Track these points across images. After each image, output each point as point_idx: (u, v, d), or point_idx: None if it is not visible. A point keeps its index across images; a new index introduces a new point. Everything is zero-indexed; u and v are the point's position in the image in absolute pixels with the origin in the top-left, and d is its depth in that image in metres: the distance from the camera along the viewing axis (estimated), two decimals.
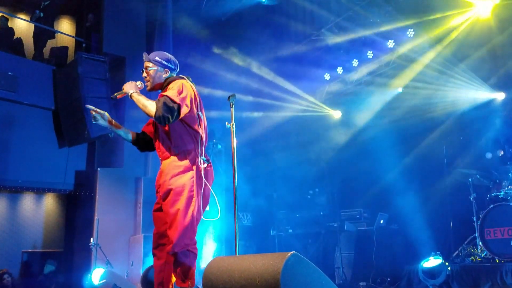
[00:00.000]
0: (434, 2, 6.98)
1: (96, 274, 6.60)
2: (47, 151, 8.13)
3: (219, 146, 9.26)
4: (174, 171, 3.28)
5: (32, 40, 9.09)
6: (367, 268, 6.87)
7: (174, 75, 3.55)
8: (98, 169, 8.18)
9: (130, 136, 3.56)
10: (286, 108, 9.23)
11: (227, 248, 8.19)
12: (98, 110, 3.40)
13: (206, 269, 3.19)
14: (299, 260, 2.76)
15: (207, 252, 8.13)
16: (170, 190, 3.26)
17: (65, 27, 10.46)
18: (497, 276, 5.31)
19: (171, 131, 3.32)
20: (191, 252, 3.29)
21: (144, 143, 3.62)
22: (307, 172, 9.06)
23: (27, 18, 9.56)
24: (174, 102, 3.13)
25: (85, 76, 7.44)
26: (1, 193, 8.55)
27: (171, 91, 3.20)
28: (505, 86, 7.10)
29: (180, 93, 3.21)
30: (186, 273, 3.28)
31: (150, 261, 6.70)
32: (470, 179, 6.32)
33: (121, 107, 7.97)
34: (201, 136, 3.37)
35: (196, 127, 3.36)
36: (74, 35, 10.11)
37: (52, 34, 9.34)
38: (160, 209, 3.40)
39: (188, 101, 3.22)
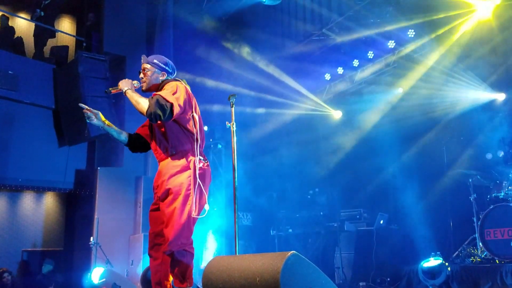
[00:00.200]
0: (434, 2, 6.97)
1: (96, 273, 6.60)
2: (47, 150, 8.13)
3: (220, 146, 9.27)
4: (172, 171, 3.30)
5: (32, 39, 9.09)
6: (367, 268, 6.87)
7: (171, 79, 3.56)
8: (98, 168, 8.18)
9: (122, 136, 3.57)
10: (286, 108, 9.23)
11: (227, 248, 8.19)
12: (91, 109, 3.42)
13: (206, 269, 3.19)
14: (299, 260, 2.76)
15: (208, 252, 8.14)
16: (168, 190, 3.27)
17: (66, 26, 10.45)
18: (497, 276, 5.31)
19: (167, 131, 3.33)
20: (188, 252, 3.29)
21: (137, 144, 3.63)
22: (307, 172, 9.05)
23: (28, 17, 9.55)
24: (167, 101, 3.14)
25: (86, 75, 7.44)
26: (1, 192, 8.55)
27: (165, 91, 3.23)
28: (505, 86, 7.10)
29: (173, 93, 3.23)
30: (184, 273, 3.28)
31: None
32: (470, 180, 6.31)
33: (121, 106, 7.98)
34: (197, 137, 3.39)
35: (191, 128, 3.37)
36: (74, 34, 10.11)
37: (52, 33, 9.33)
38: (157, 209, 3.41)
39: (181, 102, 3.23)
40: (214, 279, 3.07)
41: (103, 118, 3.46)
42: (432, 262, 5.84)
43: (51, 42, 9.39)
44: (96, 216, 7.73)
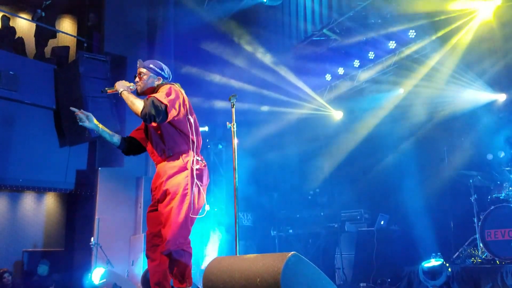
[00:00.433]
0: (435, 3, 6.97)
1: (97, 274, 6.60)
2: (48, 150, 8.13)
3: (220, 146, 9.28)
4: (170, 172, 3.32)
5: (33, 39, 9.10)
6: (368, 269, 6.86)
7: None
8: (99, 168, 8.19)
9: (115, 139, 3.58)
10: (287, 108, 9.23)
11: (227, 248, 8.19)
12: (83, 111, 3.44)
13: (206, 269, 3.19)
14: (300, 261, 2.77)
15: (208, 252, 8.14)
16: (165, 190, 3.29)
17: (67, 26, 10.46)
18: (497, 277, 5.31)
19: (164, 134, 3.36)
20: (186, 252, 3.30)
21: (130, 146, 3.65)
22: (308, 173, 9.05)
23: (29, 17, 9.56)
24: (161, 102, 3.17)
25: (86, 76, 7.45)
26: (2, 192, 8.55)
27: (160, 93, 3.27)
28: (506, 87, 7.09)
29: (168, 95, 3.26)
30: (183, 273, 3.28)
31: None
32: (471, 180, 6.31)
33: (122, 106, 7.98)
34: (193, 139, 3.42)
35: (187, 130, 3.40)
36: (75, 34, 10.12)
37: (53, 34, 9.35)
38: (154, 210, 3.43)
39: (175, 104, 3.26)
40: (214, 280, 3.07)
41: (95, 120, 3.48)
42: (433, 262, 5.83)
43: (52, 43, 9.40)
44: (96, 217, 7.74)
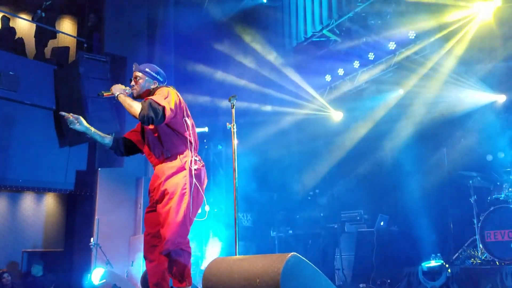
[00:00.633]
0: (435, 4, 6.98)
1: (96, 274, 6.61)
2: (47, 151, 8.13)
3: (220, 147, 9.28)
4: (168, 172, 3.33)
5: (33, 40, 9.11)
6: (367, 269, 6.86)
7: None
8: (99, 169, 8.19)
9: (106, 140, 3.61)
10: (287, 108, 9.23)
11: (227, 249, 8.19)
12: (72, 114, 3.45)
13: (206, 270, 3.20)
14: (299, 261, 2.77)
15: (208, 253, 8.14)
16: (164, 191, 3.30)
17: (67, 27, 10.47)
18: (497, 278, 5.31)
19: (161, 135, 3.37)
20: (185, 251, 3.30)
21: (124, 148, 3.66)
22: (308, 173, 9.05)
23: (29, 18, 9.57)
24: (159, 104, 3.19)
25: (86, 76, 7.45)
26: (1, 193, 8.55)
27: (157, 96, 3.28)
28: (506, 88, 7.10)
29: (165, 98, 3.27)
30: (182, 272, 3.29)
31: None
32: (470, 181, 6.31)
33: (122, 108, 7.97)
34: (191, 140, 3.44)
35: (184, 132, 3.42)
36: (75, 35, 10.13)
37: (53, 34, 9.35)
38: (152, 211, 3.45)
39: (172, 106, 3.27)
40: (214, 280, 3.08)
41: (85, 123, 3.50)
42: (432, 263, 5.83)
43: (52, 43, 9.41)
44: (96, 217, 7.74)
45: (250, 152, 8.69)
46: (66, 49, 9.59)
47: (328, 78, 8.89)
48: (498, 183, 6.06)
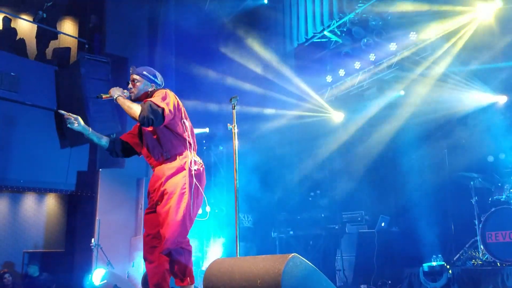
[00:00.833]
0: (436, 5, 6.98)
1: (97, 275, 6.61)
2: (49, 152, 8.14)
3: (221, 148, 9.28)
4: (168, 173, 3.35)
5: (34, 40, 9.11)
6: (368, 270, 6.86)
7: None
8: (100, 169, 8.19)
9: (103, 141, 3.62)
10: (288, 109, 9.23)
11: (228, 250, 8.19)
12: (71, 114, 3.49)
13: (207, 271, 3.20)
14: (300, 262, 2.77)
15: (209, 253, 8.14)
16: (163, 191, 3.32)
17: (68, 28, 10.48)
18: (498, 279, 5.31)
19: (160, 137, 3.39)
20: (185, 250, 3.31)
21: (120, 150, 3.68)
22: (309, 174, 9.05)
23: (30, 18, 9.58)
24: (158, 106, 3.21)
25: (88, 77, 7.46)
26: (2, 193, 8.56)
27: (156, 98, 3.30)
28: (507, 89, 7.09)
29: (164, 99, 3.29)
30: (183, 271, 3.29)
31: None
32: (472, 182, 6.30)
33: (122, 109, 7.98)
34: (189, 141, 3.46)
35: (182, 133, 3.43)
36: (76, 36, 10.13)
37: (54, 35, 9.36)
38: (152, 212, 3.46)
39: (171, 107, 3.29)
40: (215, 281, 3.08)
41: (83, 123, 3.53)
42: (433, 264, 5.83)
43: (53, 44, 9.42)
44: (97, 218, 7.74)
45: (251, 152, 8.69)
46: (67, 50, 9.60)
47: (329, 79, 8.89)
48: (499, 184, 6.06)
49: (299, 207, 8.75)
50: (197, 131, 8.81)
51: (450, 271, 5.71)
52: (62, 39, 9.90)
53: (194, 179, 3.36)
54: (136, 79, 3.51)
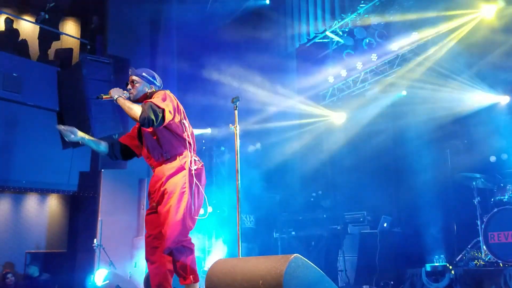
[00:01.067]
0: (438, 5, 6.97)
1: (99, 275, 6.62)
2: (51, 152, 8.16)
3: (222, 148, 9.28)
4: (168, 173, 3.36)
5: (37, 41, 9.14)
6: (370, 271, 6.85)
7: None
8: (102, 170, 8.21)
9: (101, 147, 3.65)
10: (289, 109, 9.22)
11: (229, 250, 8.19)
12: (67, 127, 3.52)
13: (208, 271, 3.20)
14: (302, 263, 2.77)
15: (211, 254, 8.14)
16: (164, 191, 3.34)
17: (70, 29, 10.51)
18: (500, 280, 5.29)
19: (160, 137, 3.40)
20: (187, 248, 3.32)
21: (119, 153, 3.69)
22: (310, 174, 9.04)
23: (32, 19, 9.61)
24: (158, 107, 3.23)
25: (89, 78, 7.47)
26: (5, 194, 8.58)
27: (156, 99, 3.31)
28: (509, 89, 7.08)
29: (164, 100, 3.31)
30: (185, 269, 3.30)
31: None
32: (474, 183, 6.29)
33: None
34: (189, 141, 3.48)
35: (182, 133, 3.45)
36: (78, 37, 10.16)
37: (57, 36, 9.39)
38: (152, 213, 3.48)
39: (171, 108, 3.31)
40: (217, 282, 3.08)
41: (80, 133, 3.56)
42: (436, 265, 5.82)
43: (55, 45, 9.44)
44: (99, 218, 7.75)
45: (253, 153, 8.69)
46: (70, 51, 9.63)
47: (331, 79, 8.88)
48: (502, 185, 6.04)
49: (301, 207, 8.74)
50: (199, 131, 8.92)
51: (452, 272, 5.70)
52: (64, 40, 9.93)
53: (194, 179, 3.39)
54: (135, 80, 3.52)
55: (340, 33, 8.26)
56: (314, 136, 9.29)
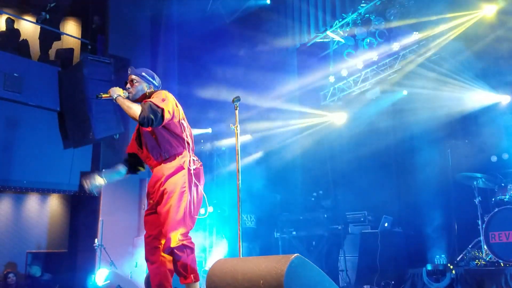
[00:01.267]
0: (439, 4, 6.96)
1: (100, 275, 6.63)
2: (52, 152, 8.17)
3: (223, 148, 9.28)
4: (168, 172, 3.37)
5: (38, 41, 9.14)
6: (371, 271, 6.84)
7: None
8: (103, 170, 8.20)
9: (121, 170, 3.71)
10: (289, 109, 9.22)
11: (230, 250, 8.19)
12: (88, 181, 3.57)
13: (209, 271, 3.20)
14: (303, 263, 2.77)
15: (212, 254, 8.14)
16: (163, 190, 3.35)
17: (71, 29, 10.51)
18: (501, 279, 5.29)
19: (159, 138, 3.41)
20: (187, 246, 3.32)
21: (133, 166, 3.74)
22: (311, 174, 9.04)
23: (33, 19, 9.61)
24: (158, 106, 3.25)
25: (90, 78, 7.48)
26: (6, 194, 8.59)
27: (155, 99, 3.33)
28: (510, 89, 7.07)
29: (163, 100, 3.33)
30: (185, 268, 3.30)
31: None
32: (475, 182, 6.28)
33: None
34: (188, 141, 3.49)
35: (180, 133, 3.46)
36: (79, 37, 10.16)
37: (58, 36, 9.39)
38: (151, 214, 3.49)
39: (170, 108, 3.33)
40: (217, 282, 3.08)
41: (99, 178, 3.61)
42: (437, 265, 5.82)
43: (56, 45, 9.44)
44: (100, 218, 7.76)
45: (254, 153, 8.69)
46: (70, 50, 9.63)
47: (331, 79, 8.88)
48: (503, 184, 6.03)
49: (302, 207, 8.74)
50: (200, 131, 8.92)
51: (453, 271, 5.69)
52: (65, 40, 9.94)
53: (194, 178, 3.39)
54: (134, 80, 3.53)
55: (341, 32, 8.25)
56: (315, 136, 9.28)
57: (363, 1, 7.57)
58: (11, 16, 9.02)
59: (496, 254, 5.67)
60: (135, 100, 3.50)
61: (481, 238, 5.93)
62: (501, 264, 5.58)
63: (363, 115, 8.80)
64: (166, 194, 3.31)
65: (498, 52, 6.87)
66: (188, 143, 3.48)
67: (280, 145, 9.28)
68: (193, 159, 3.47)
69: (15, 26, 9.10)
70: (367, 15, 7.77)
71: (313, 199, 8.89)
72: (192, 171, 3.41)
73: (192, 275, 3.31)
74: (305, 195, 9.01)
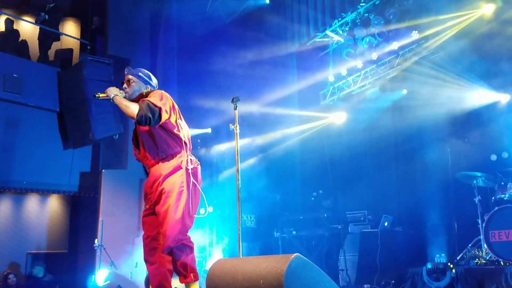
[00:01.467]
0: (438, 3, 6.96)
1: (101, 275, 6.63)
2: (51, 153, 8.17)
3: (223, 148, 9.28)
4: (165, 172, 3.38)
5: (37, 42, 9.14)
6: (371, 270, 6.84)
7: None
8: (103, 170, 8.21)
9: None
10: (290, 110, 9.22)
11: (230, 250, 8.19)
12: None
13: (209, 271, 3.20)
14: (303, 262, 2.77)
15: (212, 254, 8.14)
16: (161, 190, 3.34)
17: (70, 29, 10.51)
18: (501, 278, 5.29)
19: (156, 137, 3.41)
20: (186, 246, 3.34)
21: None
22: (311, 174, 9.04)
23: (32, 20, 9.61)
24: (155, 105, 3.27)
25: (90, 78, 7.48)
26: (6, 195, 8.59)
27: (152, 98, 3.35)
28: (510, 88, 7.07)
29: (161, 100, 3.35)
30: (185, 267, 3.31)
31: None
32: (474, 181, 6.29)
33: None
34: (185, 141, 3.50)
35: (178, 133, 3.47)
36: (79, 37, 10.16)
37: (57, 36, 9.39)
38: (150, 214, 3.48)
39: (167, 108, 3.35)
40: (217, 281, 3.08)
41: None
42: (437, 264, 5.82)
43: (55, 45, 9.44)
44: (100, 219, 7.76)
45: (254, 153, 8.69)
46: (70, 51, 9.63)
47: (331, 78, 8.89)
48: (503, 183, 6.03)
49: (302, 207, 8.74)
50: (199, 131, 8.91)
51: (453, 271, 5.69)
52: (64, 40, 9.93)
53: (191, 177, 3.40)
54: (131, 80, 3.55)
55: (340, 32, 8.26)
56: (315, 135, 9.29)
57: (362, 1, 7.57)
58: (10, 17, 9.01)
59: (496, 253, 5.67)
60: (132, 100, 3.50)
61: (481, 237, 5.93)
62: (501, 262, 5.58)
63: (363, 114, 8.80)
64: (164, 194, 3.31)
65: (498, 51, 6.87)
66: (185, 143, 3.48)
67: (280, 145, 9.28)
68: (191, 159, 3.48)
69: (15, 26, 9.10)
70: (367, 15, 7.77)
71: (313, 198, 8.89)
72: (189, 171, 3.42)
73: (191, 274, 3.31)
74: (305, 195, 9.01)
